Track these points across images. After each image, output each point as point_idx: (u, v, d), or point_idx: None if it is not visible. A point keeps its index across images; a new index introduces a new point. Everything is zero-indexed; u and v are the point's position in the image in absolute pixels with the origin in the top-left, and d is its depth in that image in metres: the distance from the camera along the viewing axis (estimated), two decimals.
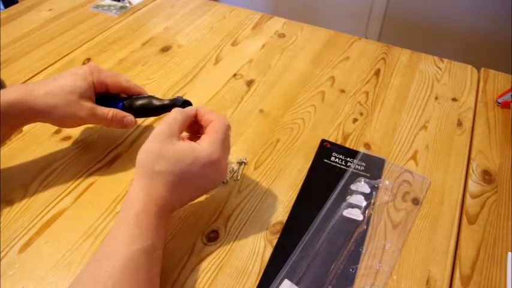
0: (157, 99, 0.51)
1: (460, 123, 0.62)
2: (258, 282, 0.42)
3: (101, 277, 0.34)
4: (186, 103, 0.50)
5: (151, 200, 0.38)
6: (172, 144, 0.40)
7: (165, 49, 0.77)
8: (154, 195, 0.39)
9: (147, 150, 0.40)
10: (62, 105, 0.47)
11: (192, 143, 0.41)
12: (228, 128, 0.44)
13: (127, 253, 0.35)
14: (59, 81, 0.48)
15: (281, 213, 0.49)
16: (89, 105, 0.49)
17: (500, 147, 0.58)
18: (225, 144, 0.43)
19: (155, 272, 0.37)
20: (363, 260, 0.44)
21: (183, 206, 0.44)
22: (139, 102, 0.52)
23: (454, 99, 0.66)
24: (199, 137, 0.43)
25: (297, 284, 0.42)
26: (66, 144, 0.57)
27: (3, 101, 0.45)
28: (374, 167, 0.54)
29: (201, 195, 0.46)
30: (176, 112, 0.43)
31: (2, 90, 0.46)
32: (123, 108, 0.52)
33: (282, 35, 0.82)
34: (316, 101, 0.65)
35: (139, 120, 0.60)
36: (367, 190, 0.51)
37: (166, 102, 0.50)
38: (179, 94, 0.66)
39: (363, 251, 0.45)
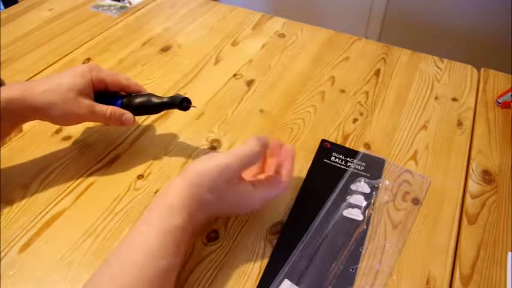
0: (157, 96, 0.51)
1: (460, 123, 0.62)
2: (258, 282, 0.42)
3: (121, 282, 0.33)
4: (184, 100, 0.50)
5: (191, 218, 0.38)
6: (234, 183, 0.40)
7: (165, 49, 0.77)
8: (194, 215, 0.38)
9: (209, 172, 0.38)
10: (60, 103, 0.47)
11: (251, 187, 0.42)
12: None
13: (155, 266, 0.34)
14: (57, 79, 0.48)
15: (281, 213, 0.49)
16: (87, 102, 0.49)
17: (500, 147, 0.58)
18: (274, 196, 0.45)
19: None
20: (362, 260, 0.44)
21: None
22: (138, 99, 0.52)
23: (454, 99, 0.66)
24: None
25: (297, 284, 0.42)
26: (66, 144, 0.57)
27: (2, 98, 0.45)
28: (374, 167, 0.54)
29: None
30: (253, 152, 0.41)
31: (1, 88, 0.46)
32: (122, 106, 0.52)
33: (282, 35, 0.82)
34: (316, 101, 0.65)
35: (139, 120, 0.60)
36: (367, 190, 0.51)
37: (165, 99, 0.50)
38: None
39: (363, 251, 0.45)
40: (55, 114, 0.48)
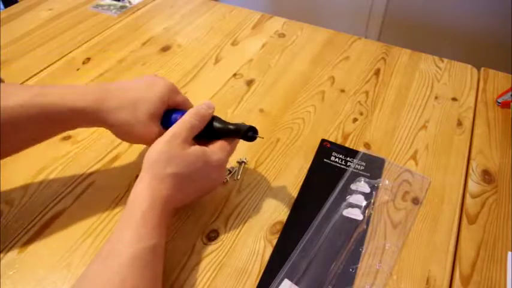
0: (221, 120, 0.46)
1: (460, 123, 0.62)
2: (257, 281, 0.42)
3: (108, 274, 0.34)
4: (250, 130, 0.45)
5: (159, 199, 0.39)
6: (186, 148, 0.41)
7: (165, 49, 0.77)
8: (161, 195, 0.39)
9: (160, 151, 0.40)
10: (130, 124, 0.44)
11: (204, 147, 0.43)
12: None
13: (134, 251, 0.35)
14: (133, 94, 0.45)
15: (281, 213, 0.49)
16: (157, 129, 0.45)
17: (500, 147, 0.58)
18: (232, 150, 0.46)
19: (159, 270, 0.38)
20: (362, 259, 0.44)
21: (184, 205, 0.45)
22: None
23: (454, 99, 0.66)
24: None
25: (296, 284, 0.41)
26: (66, 144, 0.57)
27: (75, 106, 0.43)
28: (374, 167, 0.54)
29: (203, 195, 0.47)
30: (195, 118, 0.43)
31: (73, 90, 0.44)
32: None
33: (282, 35, 0.82)
34: (316, 101, 0.65)
35: None
36: (367, 190, 0.51)
37: (230, 126, 0.45)
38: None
39: (363, 251, 0.45)
40: (121, 133, 0.46)
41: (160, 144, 0.41)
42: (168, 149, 0.40)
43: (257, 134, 0.45)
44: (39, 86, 0.44)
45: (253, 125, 0.45)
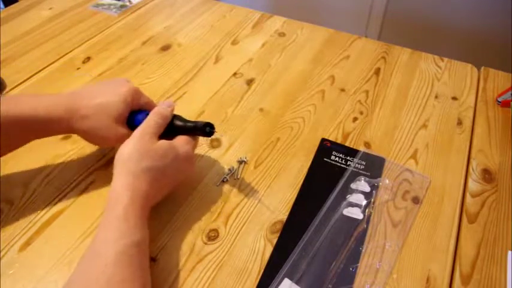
0: (181, 119, 0.48)
1: (460, 122, 0.62)
2: (258, 281, 0.42)
3: (94, 274, 0.35)
4: (207, 125, 0.47)
5: (137, 195, 0.40)
6: (154, 143, 0.43)
7: (165, 48, 0.77)
8: (139, 191, 0.40)
9: (132, 148, 0.42)
10: (97, 128, 0.47)
11: (170, 141, 0.45)
12: None
13: (118, 248, 0.36)
14: (99, 98, 0.47)
15: (281, 212, 0.49)
16: (123, 131, 0.47)
17: (500, 146, 0.58)
18: (196, 143, 0.49)
19: (145, 263, 0.38)
20: (363, 259, 0.44)
21: (159, 199, 0.45)
22: None
23: (454, 98, 0.66)
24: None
25: (297, 283, 0.42)
26: (66, 143, 0.57)
27: (45, 115, 0.45)
28: (374, 166, 0.54)
29: (175, 187, 0.48)
30: (158, 117, 0.46)
31: (45, 98, 0.46)
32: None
33: (282, 34, 0.82)
34: (316, 100, 0.65)
35: None
36: (367, 189, 0.51)
37: (189, 124, 0.47)
38: (179, 93, 0.66)
39: (363, 250, 0.45)
40: (90, 137, 0.49)
41: (130, 143, 0.42)
42: (139, 145, 0.42)
43: (214, 129, 0.48)
44: (13, 96, 0.47)
45: (210, 121, 0.47)
